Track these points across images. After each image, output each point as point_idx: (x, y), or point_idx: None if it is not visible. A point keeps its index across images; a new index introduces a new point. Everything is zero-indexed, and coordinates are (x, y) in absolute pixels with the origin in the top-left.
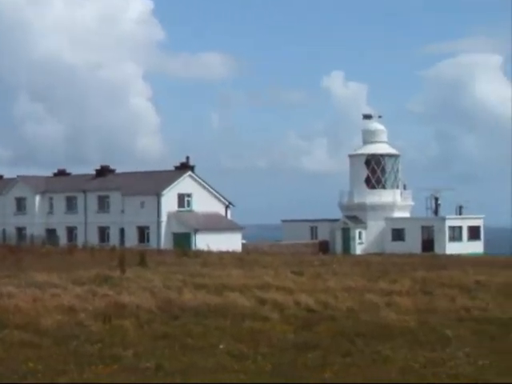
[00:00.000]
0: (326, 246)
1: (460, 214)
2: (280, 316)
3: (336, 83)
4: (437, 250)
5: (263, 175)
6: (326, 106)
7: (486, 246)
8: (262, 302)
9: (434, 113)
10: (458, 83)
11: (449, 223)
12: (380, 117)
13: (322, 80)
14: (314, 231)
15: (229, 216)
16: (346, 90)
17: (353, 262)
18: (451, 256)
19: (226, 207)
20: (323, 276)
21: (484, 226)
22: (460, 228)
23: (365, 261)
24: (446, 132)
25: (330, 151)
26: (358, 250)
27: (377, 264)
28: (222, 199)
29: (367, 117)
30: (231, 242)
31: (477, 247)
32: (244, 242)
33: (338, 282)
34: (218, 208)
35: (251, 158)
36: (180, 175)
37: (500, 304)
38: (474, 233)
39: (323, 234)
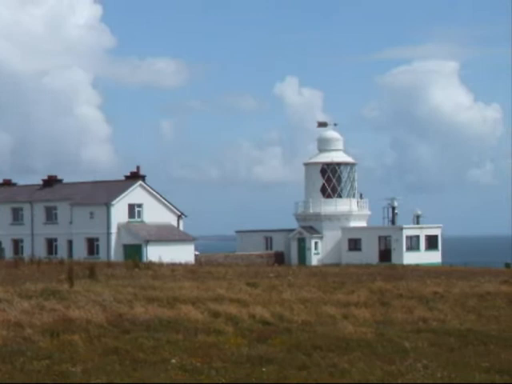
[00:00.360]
0: (281, 257)
1: (417, 223)
2: (234, 329)
3: (290, 90)
4: (394, 260)
5: (216, 185)
6: (279, 113)
7: (443, 255)
8: (216, 314)
9: (389, 120)
10: (414, 90)
11: (406, 233)
12: (335, 124)
13: (276, 86)
14: (269, 242)
15: (181, 227)
16: (300, 97)
17: (309, 273)
18: (409, 266)
19: (178, 218)
20: (279, 288)
21: (442, 235)
22: (417, 237)
23: (321, 272)
24: (401, 140)
25: (284, 160)
26: (314, 260)
27: (333, 275)
28: (174, 209)
29: (322, 124)
30: (184, 254)
31: (434, 257)
32: (197, 253)
33: (294, 293)
34: (169, 219)
35: (204, 167)
36: (130, 185)
37: (458, 315)
38: (431, 242)
39: (278, 245)
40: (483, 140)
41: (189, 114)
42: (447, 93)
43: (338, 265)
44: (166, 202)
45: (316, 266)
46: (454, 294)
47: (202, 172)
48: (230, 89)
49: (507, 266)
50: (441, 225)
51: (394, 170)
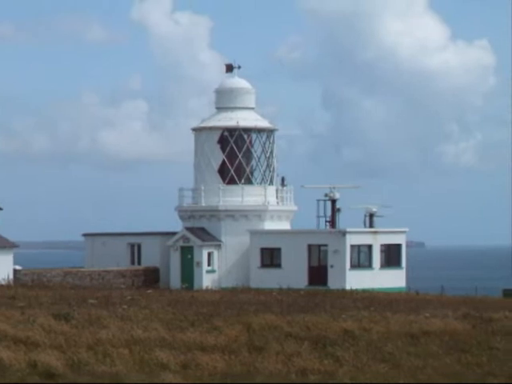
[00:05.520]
0: (154, 276)
1: (370, 225)
2: None
3: (157, 13)
4: (331, 282)
5: (45, 163)
6: (142, 49)
7: (409, 276)
8: None
9: (319, 65)
10: (355, 20)
11: (352, 240)
12: (239, 67)
13: (134, 8)
14: (135, 252)
15: None
16: (175, 26)
17: (172, 300)
18: (353, 293)
19: None
20: (103, 322)
21: (408, 245)
22: (369, 248)
23: (192, 299)
24: (338, 94)
25: (155, 123)
26: (207, 281)
27: (208, 303)
28: None
29: (229, 68)
30: None
31: (395, 279)
32: (19, 267)
33: (122, 331)
34: None
35: (23, 134)
36: None
37: (362, 365)
38: (390, 256)
39: (150, 257)
40: (464, 98)
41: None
42: (409, 25)
43: (244, 289)
44: None
45: (206, 292)
46: (372, 334)
47: (18, 140)
48: (61, 9)
49: (506, 294)
50: (406, 229)
51: (329, 140)
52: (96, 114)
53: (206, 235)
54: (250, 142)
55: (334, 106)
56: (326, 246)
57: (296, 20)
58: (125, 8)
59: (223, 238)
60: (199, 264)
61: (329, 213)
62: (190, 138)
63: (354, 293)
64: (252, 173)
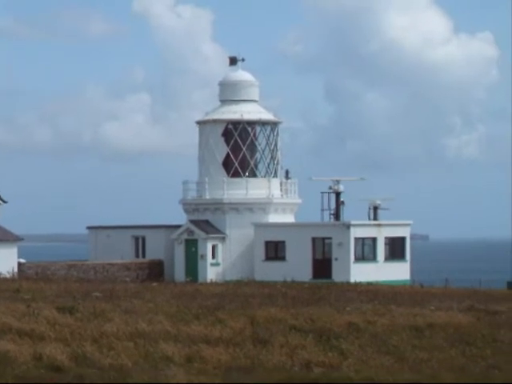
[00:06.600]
0: (159, 270)
1: (375, 218)
2: None
3: (159, 6)
4: (336, 275)
5: (49, 155)
6: (145, 42)
7: (414, 268)
8: None
9: (322, 58)
10: (359, 13)
11: (356, 233)
12: (243, 60)
13: (135, 1)
14: (140, 245)
15: None
16: (177, 19)
17: (177, 294)
18: (357, 285)
19: None
20: (107, 315)
21: (412, 237)
22: (373, 241)
23: (197, 292)
24: (341, 86)
25: (158, 116)
26: (211, 274)
27: (213, 296)
28: None
29: (233, 61)
30: (0, 261)
31: (399, 272)
32: (22, 261)
33: (126, 324)
34: None
35: (27, 126)
36: None
37: (365, 359)
38: (395, 249)
39: (155, 250)
40: (468, 91)
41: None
42: (412, 18)
43: (248, 283)
44: None
45: (210, 284)
46: (377, 327)
47: (22, 133)
48: (64, 2)
49: (511, 287)
50: (410, 221)
51: (333, 133)
52: (99, 107)
53: (211, 228)
54: (254, 134)
55: (337, 99)
56: (330, 238)
57: (299, 12)
58: (127, 1)
59: (227, 231)
60: (203, 257)
61: (333, 205)
62: (194, 130)
63: (358, 285)
64: (256, 165)
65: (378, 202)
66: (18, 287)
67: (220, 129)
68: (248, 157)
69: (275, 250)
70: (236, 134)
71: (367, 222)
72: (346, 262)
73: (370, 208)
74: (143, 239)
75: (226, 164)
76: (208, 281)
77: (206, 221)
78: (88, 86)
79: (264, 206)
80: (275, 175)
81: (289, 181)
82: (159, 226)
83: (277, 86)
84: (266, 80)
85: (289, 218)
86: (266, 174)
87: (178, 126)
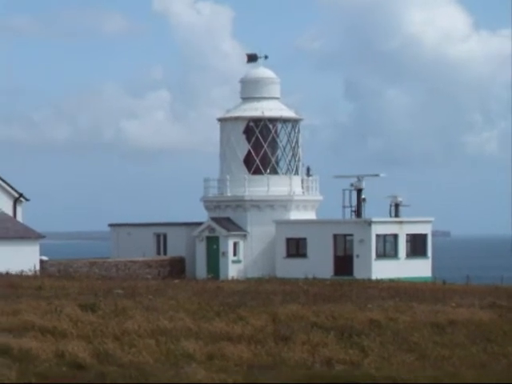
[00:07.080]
0: (180, 267)
1: (396, 215)
2: (17, 374)
3: (179, 4)
4: (357, 272)
5: (67, 152)
6: (164, 39)
7: (435, 266)
8: (4, 351)
9: (340, 55)
10: (378, 10)
11: (377, 230)
12: (266, 57)
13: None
14: (161, 242)
15: (19, 217)
16: (197, 16)
17: (198, 290)
18: (379, 283)
19: (15, 202)
20: (129, 312)
21: (434, 234)
22: (395, 238)
23: (218, 289)
24: (361, 83)
25: (179, 113)
26: (233, 271)
27: (234, 293)
28: (9, 189)
29: (252, 58)
30: (22, 259)
31: (421, 268)
32: (45, 258)
33: (148, 321)
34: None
35: (44, 124)
36: None
37: (386, 357)
38: (416, 245)
39: (176, 247)
40: (488, 87)
41: (13, 40)
42: (432, 14)
43: (269, 280)
44: None
45: (232, 281)
46: (398, 324)
47: (42, 132)
48: (85, 2)
49: None
50: (431, 218)
51: (353, 130)
52: (119, 105)
53: (232, 225)
54: (276, 131)
55: (357, 96)
56: (351, 235)
57: (318, 9)
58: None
59: (249, 228)
60: (225, 254)
61: (354, 202)
62: (214, 127)
63: (379, 282)
64: (277, 163)
65: (400, 198)
66: (40, 285)
67: (241, 126)
68: (269, 154)
69: (296, 247)
70: (257, 132)
71: (388, 218)
72: (367, 258)
73: (391, 205)
74: (164, 236)
75: (248, 161)
76: (229, 278)
77: (227, 218)
78: (108, 84)
79: (285, 203)
80: (296, 172)
81: (310, 178)
82: (180, 224)
83: (296, 82)
84: (286, 77)
85: (310, 215)
86: (288, 171)
87: (197, 123)
